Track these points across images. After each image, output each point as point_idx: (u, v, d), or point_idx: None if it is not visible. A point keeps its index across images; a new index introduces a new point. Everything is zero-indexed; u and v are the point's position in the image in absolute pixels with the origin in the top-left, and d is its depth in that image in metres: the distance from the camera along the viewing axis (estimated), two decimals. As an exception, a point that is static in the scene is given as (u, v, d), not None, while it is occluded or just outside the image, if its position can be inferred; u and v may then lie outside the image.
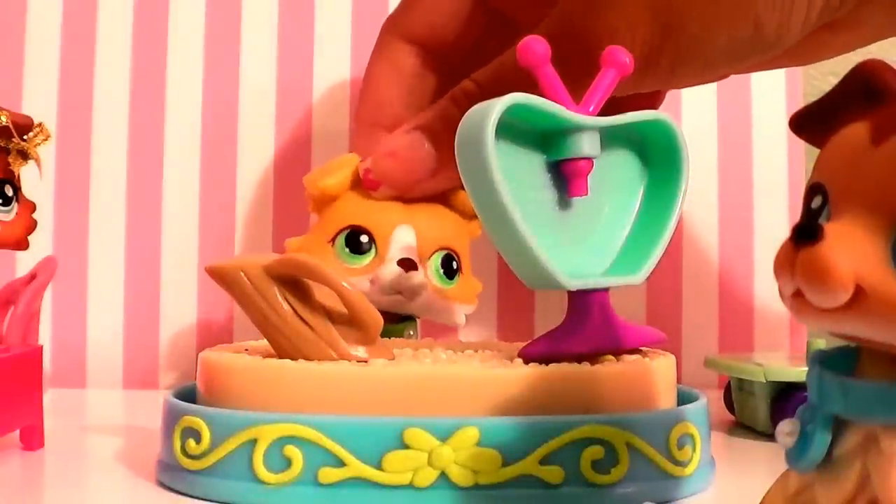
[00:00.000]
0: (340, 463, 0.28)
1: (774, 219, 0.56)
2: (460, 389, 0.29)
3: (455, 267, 0.41)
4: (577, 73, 0.31)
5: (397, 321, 0.41)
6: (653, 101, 0.41)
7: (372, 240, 0.40)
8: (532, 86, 0.30)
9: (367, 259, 0.39)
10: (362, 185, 0.40)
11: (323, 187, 0.40)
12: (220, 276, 0.31)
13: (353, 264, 0.39)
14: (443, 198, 0.41)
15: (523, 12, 0.40)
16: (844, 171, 0.17)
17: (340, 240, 0.40)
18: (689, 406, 0.31)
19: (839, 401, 0.17)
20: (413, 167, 0.39)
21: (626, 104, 0.34)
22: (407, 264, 0.39)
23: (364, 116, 0.43)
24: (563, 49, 0.30)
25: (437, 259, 0.40)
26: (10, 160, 0.35)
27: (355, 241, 0.40)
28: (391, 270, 0.39)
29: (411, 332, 0.42)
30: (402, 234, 0.40)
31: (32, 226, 0.36)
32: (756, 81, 0.57)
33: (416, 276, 0.39)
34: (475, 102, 0.35)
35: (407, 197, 0.40)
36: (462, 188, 0.39)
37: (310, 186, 0.40)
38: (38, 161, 0.36)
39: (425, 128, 0.38)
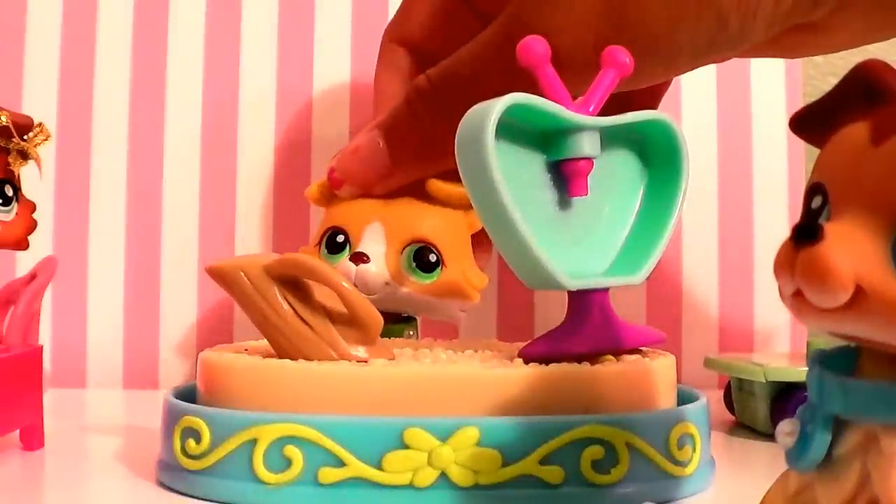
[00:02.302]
0: (340, 463, 0.28)
1: (774, 219, 0.56)
2: (460, 389, 0.29)
3: (434, 260, 0.41)
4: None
5: (397, 321, 0.41)
6: (654, 95, 0.41)
7: (347, 238, 0.40)
8: (480, 83, 0.30)
9: (342, 257, 0.40)
10: (329, 184, 0.41)
11: (308, 196, 0.42)
12: (220, 276, 0.31)
13: (331, 263, 0.39)
14: (423, 191, 0.41)
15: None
16: (844, 171, 0.17)
17: (324, 241, 0.41)
18: (689, 406, 0.31)
19: (839, 401, 0.17)
20: (370, 165, 0.39)
21: (628, 102, 0.34)
22: (356, 258, 0.39)
23: (375, 116, 0.43)
24: (514, 45, 0.30)
25: (409, 253, 0.40)
26: (10, 160, 0.35)
27: (332, 240, 0.41)
28: (344, 267, 0.39)
29: (411, 333, 0.42)
30: (372, 230, 0.40)
31: (32, 226, 0.36)
32: (756, 81, 0.57)
33: (367, 270, 0.39)
34: (424, 100, 0.36)
35: (372, 194, 0.40)
36: (434, 178, 0.40)
37: (308, 196, 0.42)
38: (38, 161, 0.36)
39: (381, 126, 0.39)
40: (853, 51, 0.37)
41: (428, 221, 0.41)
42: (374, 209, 0.40)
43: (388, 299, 0.40)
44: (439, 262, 0.40)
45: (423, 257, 0.40)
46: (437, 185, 0.40)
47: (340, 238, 0.40)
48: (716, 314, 0.56)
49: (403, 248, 0.40)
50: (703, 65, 0.35)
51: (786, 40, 0.35)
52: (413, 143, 0.31)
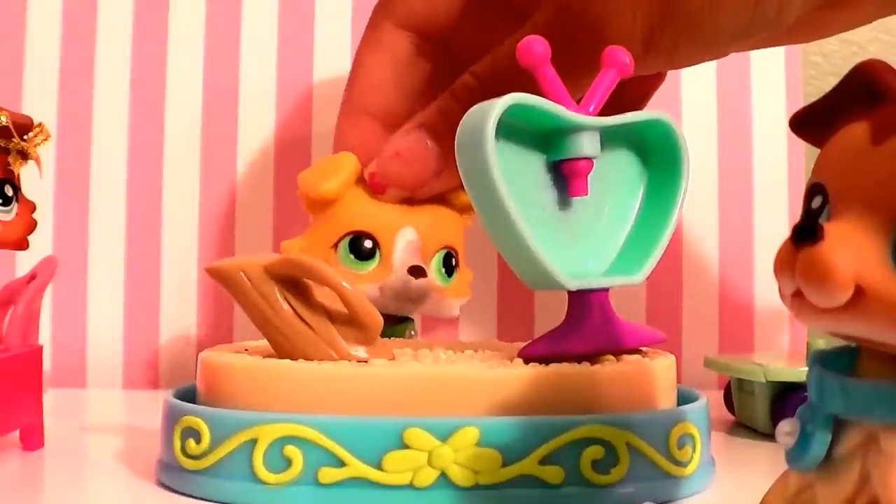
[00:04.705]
0: (340, 463, 0.28)
1: (774, 219, 0.56)
2: (460, 389, 0.29)
3: (454, 264, 0.41)
4: (579, 59, 0.30)
5: (397, 322, 0.41)
6: (653, 83, 0.41)
7: (376, 244, 0.39)
8: (531, 77, 0.30)
9: (373, 265, 0.39)
10: (370, 189, 0.39)
11: (322, 193, 0.39)
12: (220, 276, 0.31)
13: (358, 270, 0.39)
14: (440, 195, 0.41)
15: None
16: (844, 171, 0.17)
17: (343, 245, 0.39)
18: (689, 406, 0.31)
19: (839, 401, 0.17)
20: (419, 167, 0.38)
21: (626, 89, 0.34)
22: (417, 272, 0.39)
23: (352, 103, 0.42)
24: (563, 35, 0.30)
25: (439, 259, 0.40)
26: (10, 160, 0.35)
27: (359, 246, 0.39)
28: (401, 279, 0.39)
29: (412, 333, 0.42)
30: (406, 236, 0.39)
31: (32, 226, 0.36)
32: (756, 81, 0.57)
33: (426, 283, 0.39)
34: (476, 97, 0.34)
35: (416, 197, 0.39)
36: (461, 188, 0.40)
37: (307, 189, 0.40)
38: (38, 161, 0.36)
39: (427, 125, 0.38)
40: (855, 51, 0.37)
41: (449, 226, 0.41)
42: (402, 214, 0.40)
43: (414, 307, 0.40)
44: (457, 266, 0.41)
45: (449, 263, 0.40)
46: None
47: (368, 244, 0.39)
48: (716, 314, 0.56)
49: (434, 254, 0.40)
50: (739, 48, 0.35)
51: (811, 21, 0.35)
52: None
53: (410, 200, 0.40)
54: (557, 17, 0.34)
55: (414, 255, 0.39)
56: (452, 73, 0.38)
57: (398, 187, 0.39)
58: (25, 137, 0.35)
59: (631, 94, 0.33)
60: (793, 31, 0.35)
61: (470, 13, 0.41)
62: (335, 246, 0.39)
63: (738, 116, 0.57)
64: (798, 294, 0.17)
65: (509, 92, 0.28)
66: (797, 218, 0.18)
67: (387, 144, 0.39)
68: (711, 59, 0.36)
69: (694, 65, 0.36)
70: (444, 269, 0.40)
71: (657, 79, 0.41)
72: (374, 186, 0.39)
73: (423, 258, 0.40)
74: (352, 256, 0.39)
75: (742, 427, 0.42)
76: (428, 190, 0.39)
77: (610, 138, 0.31)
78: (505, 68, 0.35)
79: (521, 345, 0.32)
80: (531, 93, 0.29)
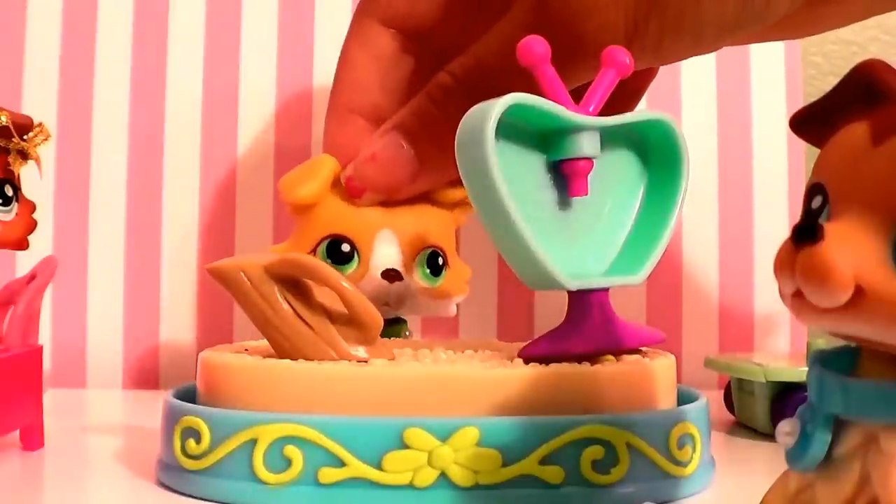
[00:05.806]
0: (340, 463, 0.28)
1: (774, 219, 0.56)
2: (460, 389, 0.29)
3: (441, 263, 0.40)
4: (559, 53, 0.30)
5: (390, 323, 0.41)
6: (645, 78, 0.40)
7: (354, 248, 0.39)
8: (509, 75, 0.29)
9: (351, 268, 0.38)
10: (346, 192, 0.39)
11: (300, 198, 0.39)
12: (220, 276, 0.31)
13: None
14: (424, 194, 0.40)
15: None
16: (844, 171, 0.17)
17: (322, 249, 0.39)
18: (689, 406, 0.31)
19: (839, 401, 0.17)
20: (394, 171, 0.38)
21: (618, 85, 0.34)
22: (391, 276, 0.38)
23: (339, 101, 0.41)
24: (540, 28, 0.29)
25: (422, 259, 0.40)
26: (10, 160, 0.35)
27: (336, 250, 0.39)
28: (376, 283, 0.38)
29: (407, 333, 0.42)
30: (385, 239, 0.39)
31: (32, 226, 0.36)
32: (756, 81, 0.57)
33: (402, 286, 0.39)
34: (451, 96, 0.34)
35: (392, 200, 0.39)
36: (446, 187, 0.39)
37: (286, 195, 0.39)
38: (38, 161, 0.36)
39: (402, 127, 0.37)
40: (855, 51, 0.37)
41: (433, 225, 0.40)
42: (379, 216, 0.39)
43: (394, 310, 0.39)
44: (445, 265, 0.40)
45: (434, 262, 0.40)
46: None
47: (346, 247, 0.39)
48: (716, 314, 0.56)
49: (416, 255, 0.40)
50: (731, 43, 0.35)
51: (803, 16, 0.34)
52: (442, 141, 0.30)
53: (390, 202, 0.39)
54: (535, 10, 0.33)
55: (393, 258, 0.39)
56: (438, 70, 0.37)
57: (374, 191, 0.38)
58: (25, 137, 0.35)
59: (623, 89, 0.33)
60: (784, 26, 0.35)
61: (452, 9, 0.40)
62: (314, 250, 0.39)
63: (738, 116, 0.57)
64: (798, 294, 0.17)
65: (487, 90, 0.28)
66: (797, 218, 0.18)
67: (363, 148, 0.38)
68: (699, 54, 0.35)
69: (681, 59, 0.35)
70: (428, 270, 0.40)
71: (649, 74, 0.40)
72: (350, 191, 0.39)
73: (403, 260, 0.39)
74: (329, 260, 0.38)
75: (742, 427, 0.42)
76: (405, 193, 0.39)
77: (610, 138, 0.31)
78: (481, 68, 0.35)
79: (521, 345, 0.32)
80: (510, 89, 0.29)
